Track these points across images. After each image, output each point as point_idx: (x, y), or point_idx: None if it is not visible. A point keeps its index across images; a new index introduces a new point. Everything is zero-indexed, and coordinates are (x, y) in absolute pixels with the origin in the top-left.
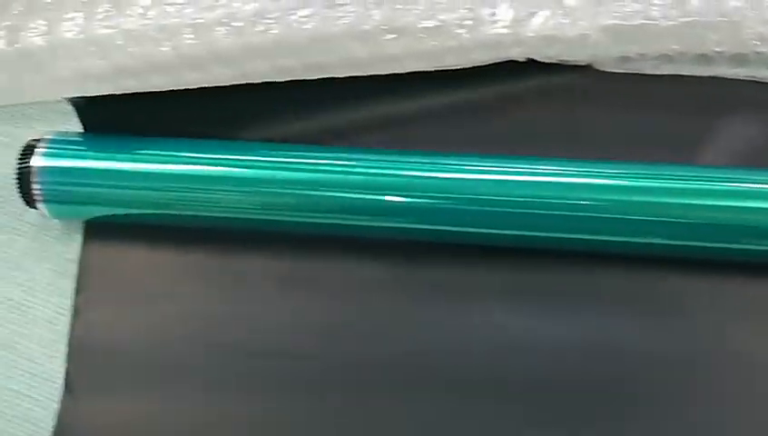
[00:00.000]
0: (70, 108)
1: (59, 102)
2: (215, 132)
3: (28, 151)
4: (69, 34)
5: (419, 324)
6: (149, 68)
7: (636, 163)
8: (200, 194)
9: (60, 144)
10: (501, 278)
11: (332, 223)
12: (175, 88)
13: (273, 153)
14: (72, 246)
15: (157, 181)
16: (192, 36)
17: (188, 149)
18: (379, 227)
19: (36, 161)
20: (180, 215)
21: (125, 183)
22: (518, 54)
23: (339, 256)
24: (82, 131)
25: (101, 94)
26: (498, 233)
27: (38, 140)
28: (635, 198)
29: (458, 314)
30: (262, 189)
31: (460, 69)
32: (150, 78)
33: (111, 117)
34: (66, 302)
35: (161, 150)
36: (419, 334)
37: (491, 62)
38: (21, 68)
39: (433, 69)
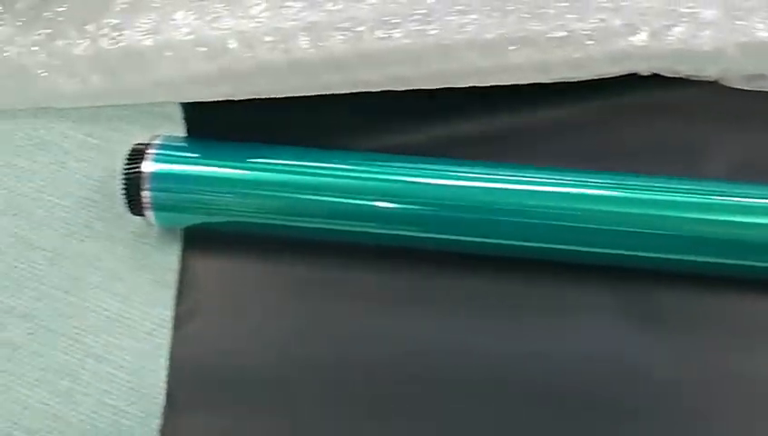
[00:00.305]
0: (164, 111)
1: (152, 104)
2: (323, 140)
3: (137, 155)
4: (177, 35)
5: (525, 345)
6: (258, 72)
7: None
8: (310, 205)
9: (170, 149)
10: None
11: (452, 240)
12: (285, 95)
13: (389, 164)
14: (171, 255)
15: (272, 189)
16: (307, 40)
17: (302, 157)
18: (503, 245)
19: (147, 166)
20: (289, 226)
21: (239, 191)
22: (647, 68)
23: (459, 273)
24: (185, 135)
25: (208, 99)
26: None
27: (146, 144)
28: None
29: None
30: (374, 201)
31: (577, 81)
32: (258, 83)
33: (214, 121)
34: (166, 313)
35: (275, 157)
36: (527, 356)
37: (613, 75)
38: (123, 68)
39: (552, 81)
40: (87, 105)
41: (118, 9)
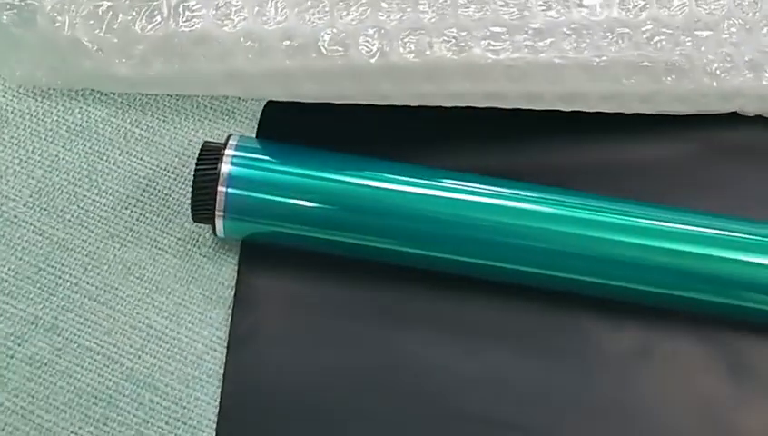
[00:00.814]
0: (225, 106)
1: (212, 97)
2: (397, 154)
3: (211, 154)
4: (262, 24)
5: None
6: (347, 75)
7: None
8: (403, 227)
9: (250, 151)
10: None
11: (547, 275)
12: (374, 102)
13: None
14: (226, 268)
15: (363, 205)
16: (407, 46)
17: (397, 172)
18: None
19: (225, 167)
20: (371, 247)
21: (324, 204)
22: (756, 108)
23: (558, 312)
24: (258, 137)
25: (286, 98)
26: None
27: (222, 144)
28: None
29: None
30: (457, 229)
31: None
32: (347, 86)
33: (288, 124)
34: (219, 334)
35: (370, 170)
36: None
37: (716, 112)
38: (193, 55)
39: (654, 112)
40: (141, 93)
41: None
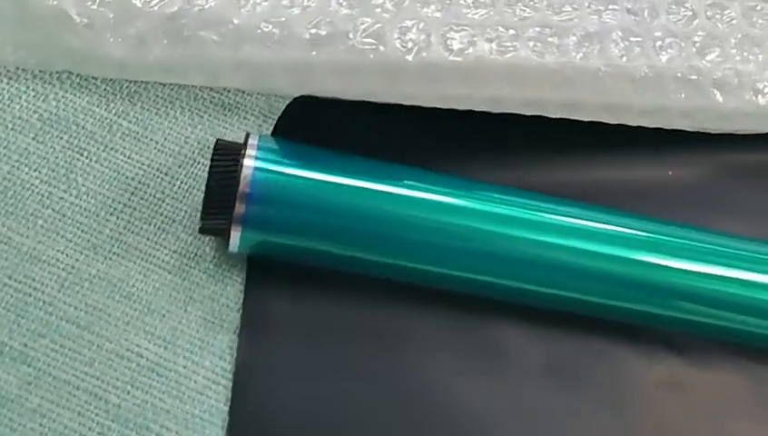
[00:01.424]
0: (227, 99)
1: (210, 89)
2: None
3: (229, 155)
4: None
5: None
6: (381, 71)
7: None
8: (447, 248)
9: (272, 153)
10: None
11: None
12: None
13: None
14: (230, 287)
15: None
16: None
17: (447, 184)
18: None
19: (246, 171)
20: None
21: (356, 216)
22: None
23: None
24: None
25: (311, 93)
26: None
27: (242, 144)
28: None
29: None
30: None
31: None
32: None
33: (304, 123)
34: (223, 364)
35: (411, 179)
36: None
37: (752, 132)
38: (202, 39)
39: (693, 129)
40: (130, 79)
41: None
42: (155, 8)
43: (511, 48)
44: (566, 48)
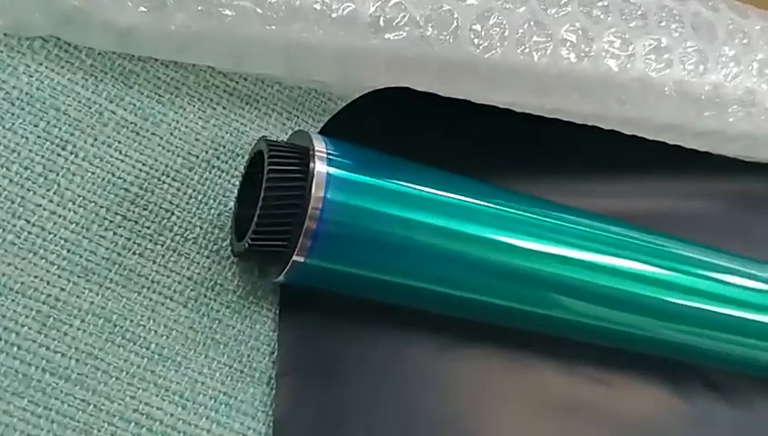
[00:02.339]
0: (244, 90)
1: (225, 76)
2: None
3: (292, 161)
4: None
5: None
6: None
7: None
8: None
9: (343, 164)
10: None
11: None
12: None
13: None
14: (259, 324)
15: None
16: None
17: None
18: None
19: (318, 189)
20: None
21: (426, 251)
22: None
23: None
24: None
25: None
26: None
27: (305, 147)
28: None
29: None
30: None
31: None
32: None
33: (362, 126)
34: (255, 425)
35: (501, 199)
36: None
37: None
38: (248, 12)
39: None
40: (136, 53)
41: None
42: None
43: (585, 56)
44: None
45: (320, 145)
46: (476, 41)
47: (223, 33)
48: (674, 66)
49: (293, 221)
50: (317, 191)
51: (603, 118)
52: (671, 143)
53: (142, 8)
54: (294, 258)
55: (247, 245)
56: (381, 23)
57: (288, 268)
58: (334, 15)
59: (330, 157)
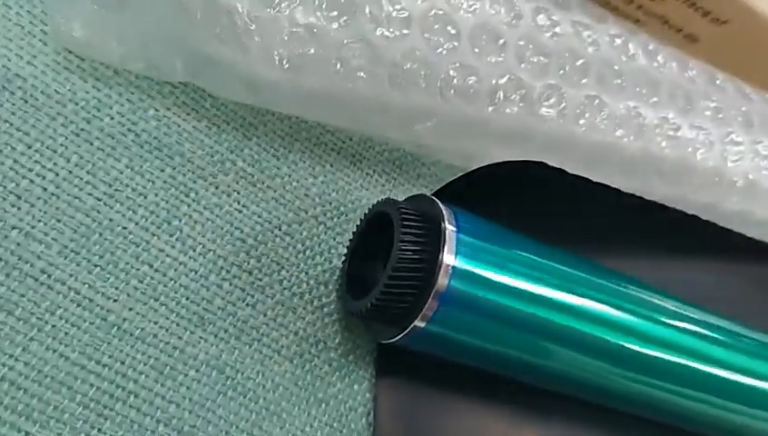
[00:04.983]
0: (352, 149)
1: (340, 135)
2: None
3: (424, 226)
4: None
5: None
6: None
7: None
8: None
9: (471, 235)
10: None
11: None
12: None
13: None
14: (357, 385)
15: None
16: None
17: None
18: None
19: (449, 257)
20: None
21: (541, 329)
22: None
23: None
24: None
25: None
26: None
27: (438, 214)
28: None
29: None
30: None
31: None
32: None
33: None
34: None
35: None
36: None
37: None
38: (380, 78)
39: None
40: (264, 106)
41: None
42: (335, 27)
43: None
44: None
45: (447, 212)
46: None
47: (354, 94)
48: (745, 158)
49: (421, 284)
50: (448, 256)
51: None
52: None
53: (286, 64)
54: (416, 323)
55: (370, 305)
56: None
57: (408, 331)
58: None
59: (459, 224)
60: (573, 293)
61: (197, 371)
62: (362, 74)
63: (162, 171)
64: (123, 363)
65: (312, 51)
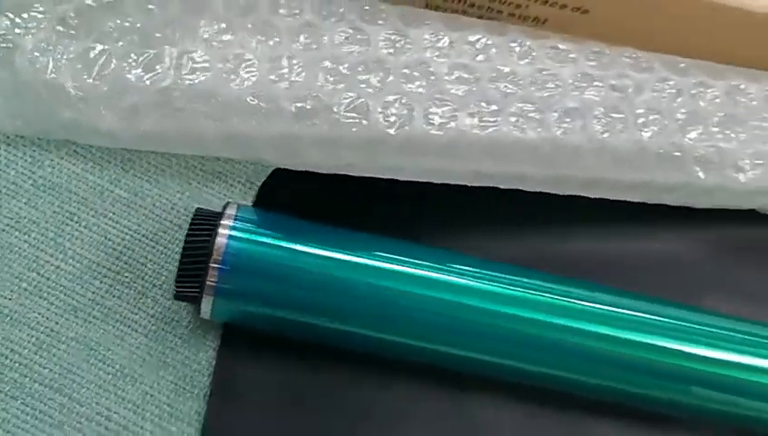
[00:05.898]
0: (216, 168)
1: (204, 158)
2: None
3: (204, 223)
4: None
5: None
6: (364, 144)
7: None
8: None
9: (248, 223)
10: None
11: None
12: (384, 176)
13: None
14: (202, 353)
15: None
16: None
17: (424, 256)
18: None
19: (221, 240)
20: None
21: (326, 290)
22: None
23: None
24: (250, 205)
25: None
26: None
27: (219, 212)
28: None
29: None
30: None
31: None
32: (357, 157)
33: (290, 195)
34: (190, 430)
35: (383, 251)
36: None
37: (734, 207)
38: (191, 113)
39: (675, 204)
40: (126, 147)
41: (205, 36)
42: (148, 82)
43: (493, 123)
44: (547, 124)
45: (231, 211)
46: (385, 121)
47: (182, 130)
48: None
49: (201, 271)
50: (218, 246)
51: (522, 180)
52: (593, 197)
53: (120, 116)
54: (203, 301)
55: (174, 291)
56: (303, 113)
57: (202, 308)
58: (262, 111)
59: (238, 218)
60: (351, 252)
61: (68, 345)
62: (184, 113)
63: (53, 204)
64: (11, 341)
65: (131, 99)
